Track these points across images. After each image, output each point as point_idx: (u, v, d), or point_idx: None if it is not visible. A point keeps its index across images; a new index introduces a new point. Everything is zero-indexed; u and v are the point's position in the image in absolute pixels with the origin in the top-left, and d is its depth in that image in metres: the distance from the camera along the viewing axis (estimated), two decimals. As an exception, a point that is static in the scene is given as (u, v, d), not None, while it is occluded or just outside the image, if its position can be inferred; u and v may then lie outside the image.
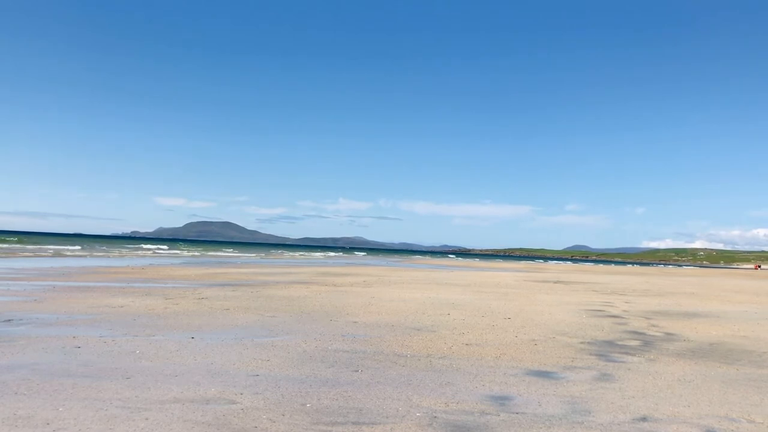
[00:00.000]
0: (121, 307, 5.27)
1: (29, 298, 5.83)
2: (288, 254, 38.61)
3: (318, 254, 43.46)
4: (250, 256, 30.55)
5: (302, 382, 2.69)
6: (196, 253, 29.30)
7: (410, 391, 2.60)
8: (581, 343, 4.08)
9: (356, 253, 66.33)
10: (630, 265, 63.27)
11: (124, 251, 27.02)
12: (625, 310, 6.38)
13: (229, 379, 2.71)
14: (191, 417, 2.13)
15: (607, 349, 3.85)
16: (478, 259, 57.35)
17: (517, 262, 53.51)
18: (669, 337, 4.51)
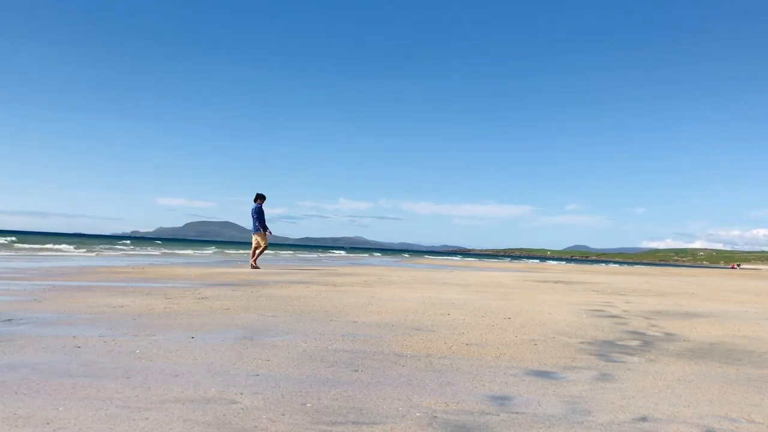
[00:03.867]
0: (121, 306, 5.27)
1: (29, 297, 5.83)
2: (288, 254, 38.58)
3: (318, 254, 43.46)
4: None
5: (302, 382, 2.69)
6: (196, 253, 29.27)
7: (410, 391, 2.60)
8: (581, 343, 4.08)
9: (356, 253, 66.31)
10: (630, 265, 63.23)
11: (124, 251, 27.02)
12: (625, 310, 6.37)
13: (229, 379, 2.70)
14: (191, 416, 2.13)
15: (607, 349, 3.85)
16: (478, 259, 57.30)
17: (518, 262, 53.48)
18: (669, 337, 4.50)
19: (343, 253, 55.18)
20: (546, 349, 3.77)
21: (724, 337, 4.59)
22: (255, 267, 13.60)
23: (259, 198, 14.16)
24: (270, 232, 14.21)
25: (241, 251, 37.61)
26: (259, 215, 14.02)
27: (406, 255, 70.20)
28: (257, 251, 14.09)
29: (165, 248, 35.28)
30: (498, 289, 9.12)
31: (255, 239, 14.09)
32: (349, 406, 2.33)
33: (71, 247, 28.16)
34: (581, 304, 7.04)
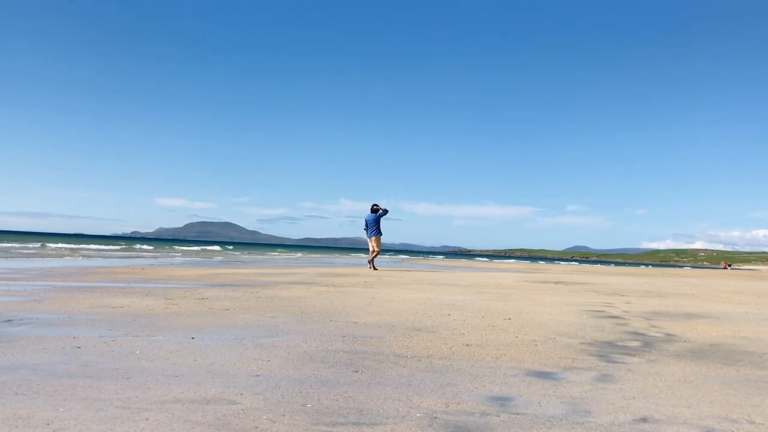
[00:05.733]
0: (122, 307, 5.27)
1: (29, 298, 5.83)
2: (288, 255, 38.58)
3: (318, 255, 43.46)
4: (250, 256, 30.54)
5: (303, 383, 2.69)
6: (196, 254, 29.28)
7: (410, 392, 2.59)
8: (581, 343, 4.07)
9: (357, 254, 66.33)
10: (630, 266, 63.24)
11: (124, 251, 27.02)
12: (625, 311, 6.37)
13: (229, 380, 2.70)
14: (191, 417, 2.13)
15: (607, 350, 3.85)
16: (478, 260, 57.26)
17: (518, 262, 53.45)
18: (669, 337, 4.50)
19: (342, 254, 55.17)
20: (546, 350, 3.77)
21: (725, 338, 4.59)
22: (374, 269, 15.41)
23: (378, 208, 16.26)
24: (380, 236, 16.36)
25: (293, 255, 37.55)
26: (378, 223, 16.18)
27: (407, 255, 70.20)
28: (374, 254, 16.20)
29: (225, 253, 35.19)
30: (498, 290, 9.12)
31: (371, 244, 16.22)
32: (349, 407, 2.33)
33: (73, 247, 28.15)
34: (581, 304, 7.04)
